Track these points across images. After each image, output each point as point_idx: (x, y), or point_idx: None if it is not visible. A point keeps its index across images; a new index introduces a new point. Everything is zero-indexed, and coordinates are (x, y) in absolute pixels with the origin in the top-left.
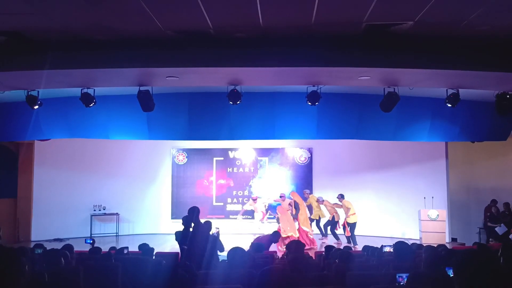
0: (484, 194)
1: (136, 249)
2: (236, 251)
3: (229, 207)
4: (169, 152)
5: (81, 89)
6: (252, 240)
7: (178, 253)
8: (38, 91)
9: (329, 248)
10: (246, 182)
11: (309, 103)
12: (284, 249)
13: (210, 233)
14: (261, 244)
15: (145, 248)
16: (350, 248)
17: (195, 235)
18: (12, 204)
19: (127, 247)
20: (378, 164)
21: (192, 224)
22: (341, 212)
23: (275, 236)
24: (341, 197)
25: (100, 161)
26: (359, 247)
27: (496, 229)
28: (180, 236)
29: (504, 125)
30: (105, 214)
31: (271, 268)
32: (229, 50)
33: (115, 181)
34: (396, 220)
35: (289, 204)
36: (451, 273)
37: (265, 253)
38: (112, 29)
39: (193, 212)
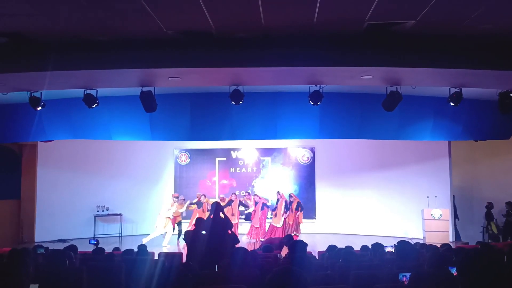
0: (487, 193)
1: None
2: (239, 251)
3: None
4: (172, 152)
5: (84, 90)
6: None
7: (181, 253)
8: (41, 93)
9: (332, 247)
10: (249, 182)
11: (312, 103)
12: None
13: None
14: (269, 246)
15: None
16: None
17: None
18: (15, 205)
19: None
20: (381, 163)
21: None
22: None
23: (288, 239)
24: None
25: (103, 162)
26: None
27: None
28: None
29: (507, 124)
30: (108, 214)
31: (285, 269)
32: (231, 50)
33: (118, 182)
34: (399, 219)
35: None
36: (454, 272)
37: (268, 254)
38: (114, 30)
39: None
